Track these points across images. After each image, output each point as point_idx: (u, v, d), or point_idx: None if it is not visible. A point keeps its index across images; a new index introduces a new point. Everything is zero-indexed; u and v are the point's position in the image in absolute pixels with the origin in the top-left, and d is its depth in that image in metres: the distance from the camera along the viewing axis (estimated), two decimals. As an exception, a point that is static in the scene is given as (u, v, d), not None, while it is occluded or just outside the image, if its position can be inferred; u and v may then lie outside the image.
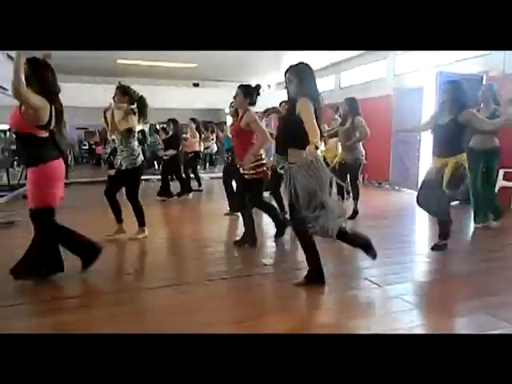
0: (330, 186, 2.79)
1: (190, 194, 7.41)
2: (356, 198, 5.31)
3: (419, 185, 4.09)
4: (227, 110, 5.69)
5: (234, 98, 3.87)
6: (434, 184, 3.63)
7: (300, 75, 2.76)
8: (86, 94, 11.42)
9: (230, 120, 5.50)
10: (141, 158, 4.19)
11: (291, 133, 2.78)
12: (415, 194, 3.97)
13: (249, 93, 3.75)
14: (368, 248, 3.00)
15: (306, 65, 2.80)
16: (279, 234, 4.17)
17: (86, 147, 16.24)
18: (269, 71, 11.29)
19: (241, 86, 3.80)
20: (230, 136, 3.92)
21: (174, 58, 9.81)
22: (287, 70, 2.82)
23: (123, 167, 4.10)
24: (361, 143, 5.24)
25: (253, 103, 3.80)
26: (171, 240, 4.57)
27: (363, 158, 5.29)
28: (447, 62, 6.88)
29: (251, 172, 3.75)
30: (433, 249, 3.79)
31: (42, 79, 2.80)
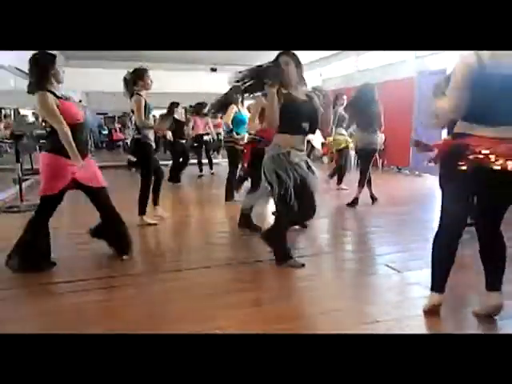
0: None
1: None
2: (362, 185, 5.16)
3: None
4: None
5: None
6: None
7: (296, 59, 2.80)
8: (105, 79, 11.51)
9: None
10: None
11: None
12: (436, 178, 3.89)
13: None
14: None
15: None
16: None
17: (106, 132, 16.39)
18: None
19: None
20: None
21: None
22: (283, 53, 2.83)
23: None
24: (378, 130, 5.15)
25: None
26: (182, 224, 4.63)
27: (378, 145, 5.21)
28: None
29: None
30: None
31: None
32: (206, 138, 8.02)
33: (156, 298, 2.59)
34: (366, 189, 5.23)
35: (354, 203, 5.12)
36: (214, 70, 13.08)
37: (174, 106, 5.58)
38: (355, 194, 5.16)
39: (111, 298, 2.59)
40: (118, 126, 15.55)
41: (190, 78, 11.88)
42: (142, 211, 4.20)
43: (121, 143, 14.82)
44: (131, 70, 4.13)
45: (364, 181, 5.17)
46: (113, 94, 12.50)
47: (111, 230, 3.15)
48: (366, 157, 5.18)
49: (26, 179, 5.79)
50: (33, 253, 2.89)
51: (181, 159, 7.45)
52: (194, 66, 12.75)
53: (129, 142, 10.36)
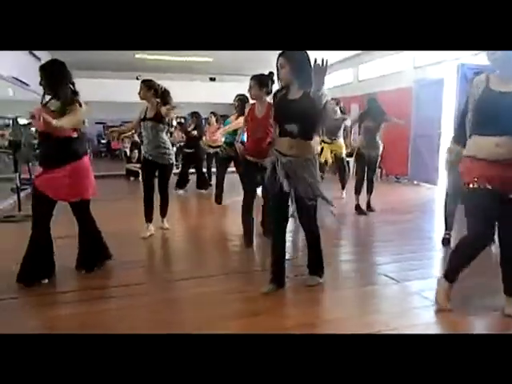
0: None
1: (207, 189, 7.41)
2: (371, 193, 5.42)
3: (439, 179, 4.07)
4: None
5: (249, 90, 3.78)
6: None
7: (293, 60, 2.55)
8: (104, 89, 11.57)
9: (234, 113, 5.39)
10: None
11: (302, 123, 2.58)
12: (435, 188, 3.93)
13: (264, 82, 3.63)
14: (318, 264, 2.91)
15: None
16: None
17: (105, 141, 16.40)
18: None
19: (254, 77, 3.66)
20: (251, 129, 3.85)
21: (190, 52, 9.83)
22: (280, 55, 2.61)
23: (164, 162, 4.15)
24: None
25: (269, 92, 3.67)
26: (191, 233, 4.61)
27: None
28: (468, 54, 6.71)
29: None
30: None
31: (70, 81, 2.96)
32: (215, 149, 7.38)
33: (155, 308, 2.57)
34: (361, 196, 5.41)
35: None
36: (212, 79, 13.14)
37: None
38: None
39: (105, 308, 2.57)
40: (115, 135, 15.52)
41: (188, 88, 11.91)
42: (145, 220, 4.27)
43: (118, 152, 14.82)
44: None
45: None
46: (113, 104, 12.57)
47: (84, 240, 3.13)
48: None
49: (24, 189, 5.77)
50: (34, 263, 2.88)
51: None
52: (193, 75, 12.81)
53: (128, 151, 10.39)
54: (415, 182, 8.22)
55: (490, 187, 2.23)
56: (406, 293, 2.80)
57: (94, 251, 3.16)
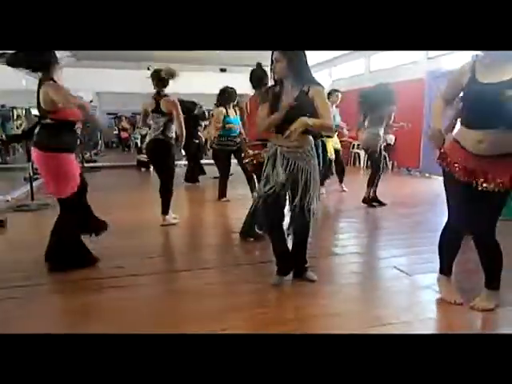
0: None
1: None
2: (376, 185, 5.39)
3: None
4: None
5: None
6: None
7: (290, 56, 2.49)
8: (115, 80, 11.60)
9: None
10: None
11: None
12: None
13: (265, 73, 3.62)
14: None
15: None
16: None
17: (116, 132, 16.49)
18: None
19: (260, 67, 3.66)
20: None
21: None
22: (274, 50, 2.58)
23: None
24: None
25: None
26: (195, 224, 4.63)
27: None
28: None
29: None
30: None
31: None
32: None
33: (162, 299, 2.60)
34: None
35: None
36: (223, 70, 13.08)
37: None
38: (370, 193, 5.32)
39: (117, 297, 2.59)
40: (123, 125, 15.63)
41: (199, 79, 11.88)
42: (164, 211, 4.24)
43: (130, 143, 14.90)
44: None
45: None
46: (124, 94, 12.61)
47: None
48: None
49: (37, 178, 5.85)
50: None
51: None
52: (203, 66, 12.76)
53: (138, 141, 10.45)
54: (427, 175, 8.14)
55: (467, 179, 2.24)
56: (417, 286, 2.79)
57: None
